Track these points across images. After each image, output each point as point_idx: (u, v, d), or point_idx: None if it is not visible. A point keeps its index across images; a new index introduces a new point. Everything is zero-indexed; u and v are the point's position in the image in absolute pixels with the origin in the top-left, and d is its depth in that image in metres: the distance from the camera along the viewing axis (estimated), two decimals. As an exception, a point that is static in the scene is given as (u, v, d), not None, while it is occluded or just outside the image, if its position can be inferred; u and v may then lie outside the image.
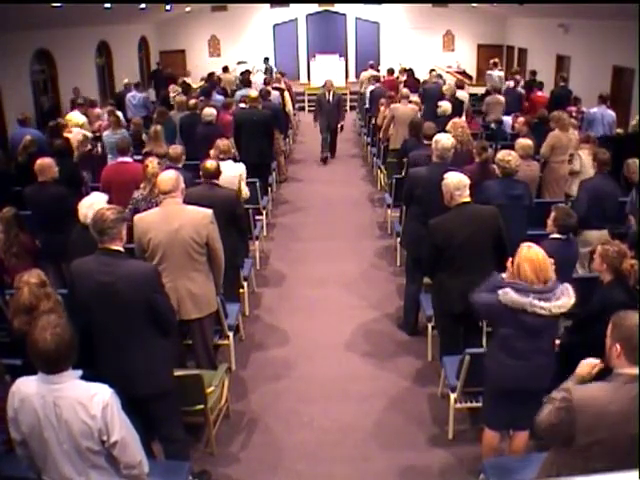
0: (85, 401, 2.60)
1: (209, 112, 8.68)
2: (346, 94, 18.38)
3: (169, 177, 4.41)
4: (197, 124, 8.92)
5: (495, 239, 4.59)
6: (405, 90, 10.51)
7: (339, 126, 12.63)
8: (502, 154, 5.60)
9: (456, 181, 4.59)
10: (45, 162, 6.07)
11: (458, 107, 10.19)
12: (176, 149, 6.39)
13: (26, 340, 2.63)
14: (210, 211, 4.42)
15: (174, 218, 4.31)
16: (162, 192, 4.42)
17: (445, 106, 9.18)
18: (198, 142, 8.12)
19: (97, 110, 10.98)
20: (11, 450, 3.00)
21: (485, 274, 3.88)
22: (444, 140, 5.60)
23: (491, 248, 4.58)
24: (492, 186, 5.49)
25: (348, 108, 17.87)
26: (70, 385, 2.63)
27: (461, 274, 4.48)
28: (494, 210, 4.70)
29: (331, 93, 12.13)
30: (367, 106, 13.65)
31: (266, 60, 17.21)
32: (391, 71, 15.26)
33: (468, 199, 4.61)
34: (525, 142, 6.47)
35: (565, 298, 3.40)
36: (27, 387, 2.66)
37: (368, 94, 13.40)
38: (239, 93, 12.19)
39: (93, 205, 4.54)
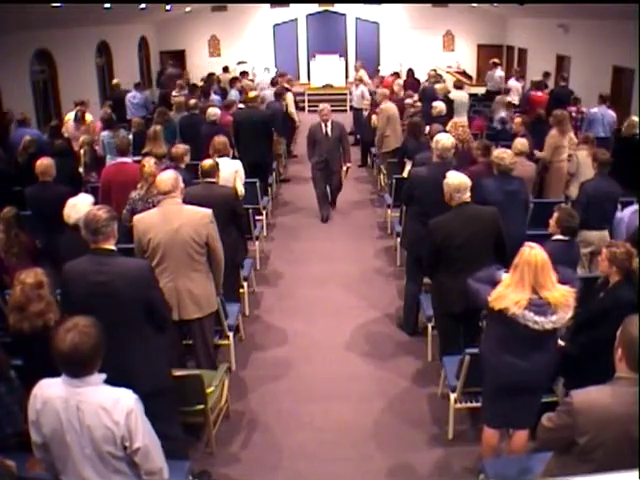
0: (109, 406, 2.56)
1: (213, 112, 8.77)
2: (346, 94, 18.38)
3: (168, 177, 4.41)
4: (197, 124, 8.96)
5: (495, 240, 4.60)
6: (382, 90, 10.53)
7: (344, 169, 9.15)
8: (497, 152, 5.79)
9: (457, 182, 4.60)
10: (45, 162, 6.08)
11: (448, 107, 10.25)
12: (178, 148, 6.39)
13: (32, 340, 2.62)
14: (209, 211, 4.43)
15: (174, 218, 4.31)
16: (161, 192, 4.43)
17: (440, 106, 9.28)
18: (203, 141, 8.14)
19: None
20: (18, 447, 2.97)
21: (479, 271, 3.90)
22: (444, 140, 5.61)
23: (491, 248, 4.59)
24: (488, 183, 5.59)
25: (348, 109, 17.83)
26: (94, 389, 2.59)
27: (461, 274, 4.47)
28: (494, 210, 4.72)
29: (329, 124, 8.84)
30: (356, 105, 13.39)
31: (267, 69, 16.43)
32: (397, 75, 15.15)
33: (468, 199, 4.62)
34: (520, 141, 6.56)
35: (562, 312, 3.40)
36: (50, 389, 2.62)
37: (368, 96, 13.08)
38: (233, 93, 12.24)
39: (76, 206, 4.55)
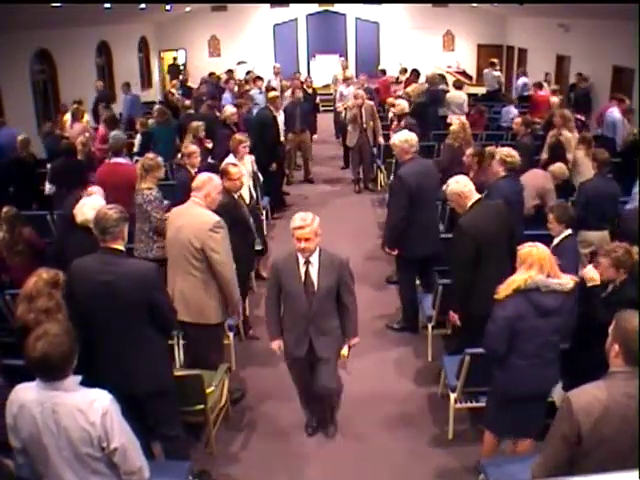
0: (84, 408, 2.57)
1: (225, 111, 8.86)
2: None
3: (201, 176, 4.60)
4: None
5: (509, 234, 4.63)
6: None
7: (345, 348, 4.64)
8: (506, 151, 5.70)
9: (462, 185, 4.66)
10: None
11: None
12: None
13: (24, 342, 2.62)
14: (213, 220, 4.30)
15: (181, 217, 4.40)
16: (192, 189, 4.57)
17: (402, 104, 9.45)
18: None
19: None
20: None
21: (503, 269, 3.92)
22: (413, 137, 5.91)
23: (508, 244, 4.57)
24: (502, 186, 5.51)
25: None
26: (69, 392, 2.60)
27: (487, 270, 4.41)
28: (504, 205, 4.78)
29: (314, 260, 4.15)
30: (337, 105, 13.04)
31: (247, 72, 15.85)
32: (404, 71, 15.08)
33: (479, 196, 4.69)
34: (560, 168, 6.51)
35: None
36: (25, 394, 2.63)
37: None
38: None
39: (85, 207, 4.57)
